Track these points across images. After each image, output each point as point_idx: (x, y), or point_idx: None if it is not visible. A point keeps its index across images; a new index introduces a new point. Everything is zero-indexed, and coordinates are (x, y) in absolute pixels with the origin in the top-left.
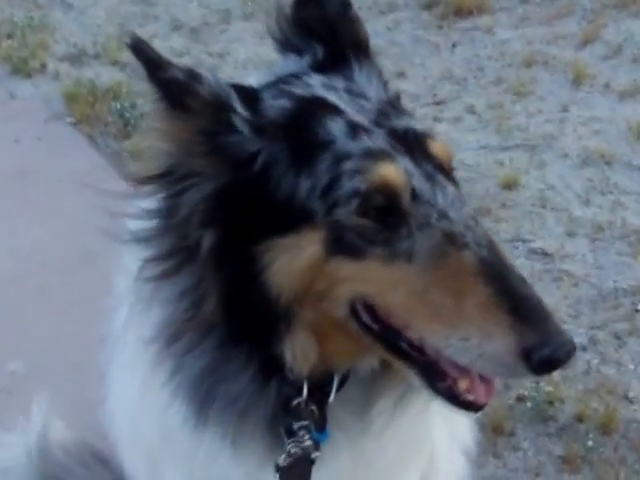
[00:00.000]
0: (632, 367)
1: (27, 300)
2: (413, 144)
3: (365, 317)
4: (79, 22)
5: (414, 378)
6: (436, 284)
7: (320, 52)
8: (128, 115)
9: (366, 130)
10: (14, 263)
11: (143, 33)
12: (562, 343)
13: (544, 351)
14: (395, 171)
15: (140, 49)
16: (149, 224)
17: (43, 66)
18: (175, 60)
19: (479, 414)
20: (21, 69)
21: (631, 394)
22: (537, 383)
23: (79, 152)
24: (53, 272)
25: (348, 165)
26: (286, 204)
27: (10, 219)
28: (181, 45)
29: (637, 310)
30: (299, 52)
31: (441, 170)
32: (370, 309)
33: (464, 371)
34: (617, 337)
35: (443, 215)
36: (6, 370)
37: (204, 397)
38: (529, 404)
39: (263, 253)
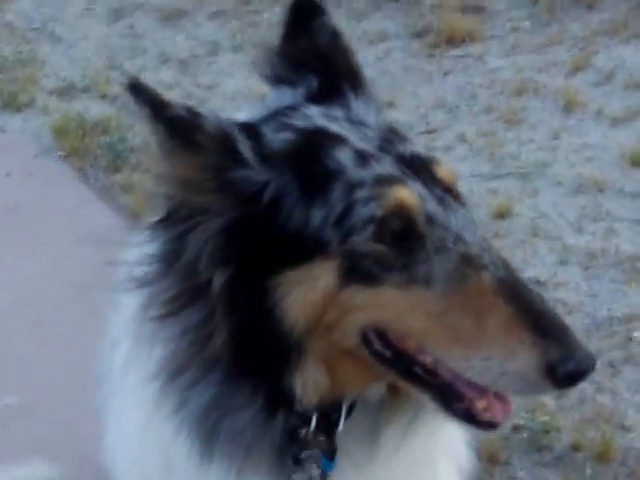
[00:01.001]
0: (628, 395)
1: (21, 334)
2: (421, 169)
3: (377, 344)
4: (68, 56)
5: (428, 402)
6: (456, 306)
7: (314, 83)
8: (117, 148)
9: (374, 157)
10: (7, 297)
11: (132, 66)
12: (584, 356)
13: (568, 365)
14: (410, 194)
15: (140, 90)
16: (152, 268)
17: (32, 100)
18: (164, 93)
19: (494, 432)
20: (11, 103)
21: (627, 422)
22: (533, 412)
23: (69, 186)
24: (46, 306)
25: (361, 192)
26: (298, 235)
27: (1, 253)
28: (170, 78)
29: (632, 338)
30: (292, 84)
31: (450, 193)
32: (382, 336)
33: (481, 391)
34: (612, 365)
35: (458, 238)
36: (0, 403)
37: (209, 431)
38: (525, 434)
39: (276, 287)
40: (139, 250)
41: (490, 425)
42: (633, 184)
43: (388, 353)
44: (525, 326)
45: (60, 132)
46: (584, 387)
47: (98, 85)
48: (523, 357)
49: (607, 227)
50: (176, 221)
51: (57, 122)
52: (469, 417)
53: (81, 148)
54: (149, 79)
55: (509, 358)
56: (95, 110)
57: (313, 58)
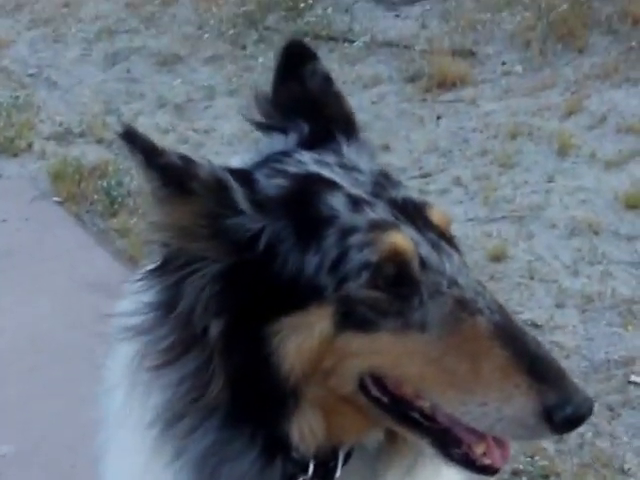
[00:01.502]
0: (626, 439)
1: (18, 380)
2: (414, 213)
3: (374, 390)
4: (64, 101)
5: (427, 447)
6: (452, 351)
7: (306, 129)
8: (114, 193)
9: (367, 202)
10: (4, 342)
11: (128, 111)
12: (582, 400)
13: (566, 410)
14: (404, 240)
15: (134, 137)
16: (149, 316)
17: (29, 145)
18: (161, 137)
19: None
20: (7, 148)
21: (627, 466)
22: (532, 457)
23: (66, 231)
24: (42, 351)
25: (355, 238)
26: (293, 282)
27: None
28: (166, 122)
29: (630, 381)
30: (283, 131)
31: (444, 238)
32: (379, 381)
33: (479, 436)
34: (610, 409)
35: (453, 282)
36: None
37: (208, 478)
38: (524, 478)
39: (272, 334)
40: (135, 298)
41: (489, 470)
42: (628, 227)
43: (385, 399)
44: (521, 370)
45: (57, 177)
46: (583, 431)
47: (95, 130)
48: (519, 402)
49: (603, 270)
50: (172, 269)
51: (54, 167)
52: (468, 462)
53: (78, 193)
54: (146, 123)
55: (505, 403)
56: (92, 155)
57: (305, 103)
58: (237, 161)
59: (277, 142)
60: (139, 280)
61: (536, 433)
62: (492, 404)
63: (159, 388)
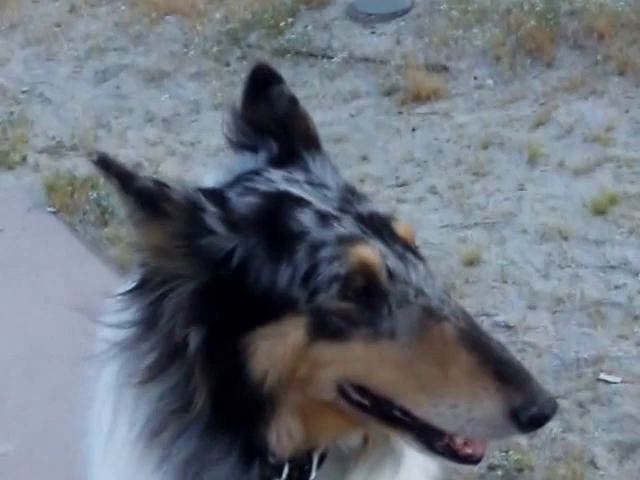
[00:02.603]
0: (596, 434)
1: (14, 386)
2: (380, 227)
3: (354, 395)
4: (57, 116)
5: (411, 443)
6: (421, 357)
7: (275, 148)
8: (105, 203)
9: (335, 218)
10: (1, 349)
11: (118, 125)
12: (546, 401)
13: (532, 410)
14: (371, 252)
15: (108, 165)
16: (131, 333)
17: (24, 158)
18: (149, 149)
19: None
20: (3, 162)
21: (596, 460)
22: (506, 452)
23: (60, 240)
24: (39, 357)
25: (325, 252)
26: (267, 294)
27: None
28: (155, 135)
29: (599, 379)
30: (253, 149)
31: (409, 249)
32: (358, 386)
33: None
34: (581, 405)
35: (419, 291)
36: None
37: None
38: (499, 472)
39: (248, 344)
40: (117, 316)
41: (472, 458)
42: (596, 232)
43: (366, 402)
44: (488, 374)
45: (51, 188)
46: (554, 426)
47: (86, 143)
48: (488, 404)
49: (572, 273)
50: (151, 287)
51: (48, 179)
52: (451, 453)
53: (71, 203)
54: (135, 137)
55: (475, 405)
56: (83, 167)
57: (272, 123)
58: (210, 179)
59: (248, 161)
60: (120, 298)
61: (504, 432)
62: (462, 406)
63: (144, 402)
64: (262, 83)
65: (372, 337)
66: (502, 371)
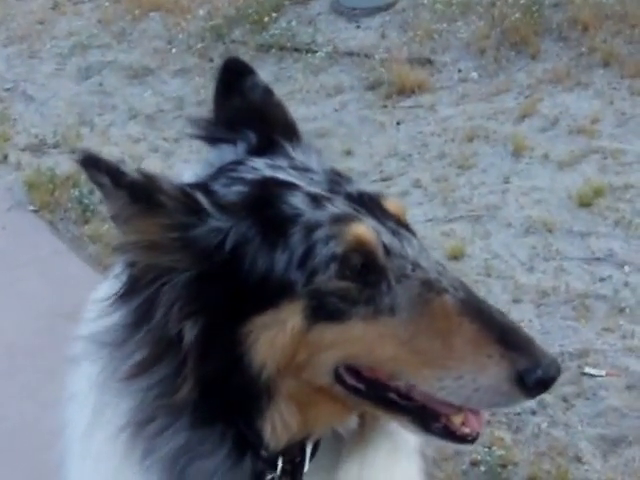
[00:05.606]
0: (580, 428)
1: None
2: (371, 205)
3: (350, 379)
4: (40, 113)
5: (408, 425)
6: (423, 330)
7: (254, 138)
8: (86, 201)
9: (326, 198)
10: None
11: (101, 122)
12: (550, 362)
13: (537, 373)
14: (366, 229)
15: (97, 162)
16: (119, 334)
17: (5, 156)
18: (132, 146)
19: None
20: None
21: (581, 454)
22: (490, 447)
23: (41, 238)
24: (18, 355)
25: (320, 233)
26: (263, 281)
27: None
28: (138, 132)
29: (583, 373)
30: (231, 142)
31: (401, 225)
32: (353, 370)
33: (455, 407)
34: (565, 400)
35: (416, 265)
36: None
37: (178, 477)
38: (483, 468)
39: (246, 333)
40: (106, 319)
41: (469, 437)
42: (581, 224)
43: (362, 386)
44: (491, 341)
45: (32, 186)
46: (539, 421)
47: (69, 140)
48: (493, 371)
49: (557, 266)
50: (141, 286)
51: (29, 177)
52: (448, 434)
53: (52, 201)
54: (118, 134)
55: (480, 373)
56: (65, 165)
57: (248, 115)
58: (190, 174)
59: (227, 153)
60: (108, 303)
61: (511, 399)
62: (467, 376)
63: (129, 394)
64: (234, 76)
65: (372, 315)
66: (505, 338)
